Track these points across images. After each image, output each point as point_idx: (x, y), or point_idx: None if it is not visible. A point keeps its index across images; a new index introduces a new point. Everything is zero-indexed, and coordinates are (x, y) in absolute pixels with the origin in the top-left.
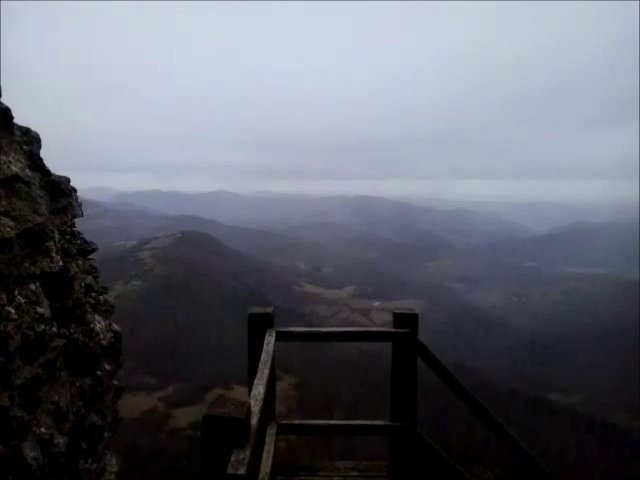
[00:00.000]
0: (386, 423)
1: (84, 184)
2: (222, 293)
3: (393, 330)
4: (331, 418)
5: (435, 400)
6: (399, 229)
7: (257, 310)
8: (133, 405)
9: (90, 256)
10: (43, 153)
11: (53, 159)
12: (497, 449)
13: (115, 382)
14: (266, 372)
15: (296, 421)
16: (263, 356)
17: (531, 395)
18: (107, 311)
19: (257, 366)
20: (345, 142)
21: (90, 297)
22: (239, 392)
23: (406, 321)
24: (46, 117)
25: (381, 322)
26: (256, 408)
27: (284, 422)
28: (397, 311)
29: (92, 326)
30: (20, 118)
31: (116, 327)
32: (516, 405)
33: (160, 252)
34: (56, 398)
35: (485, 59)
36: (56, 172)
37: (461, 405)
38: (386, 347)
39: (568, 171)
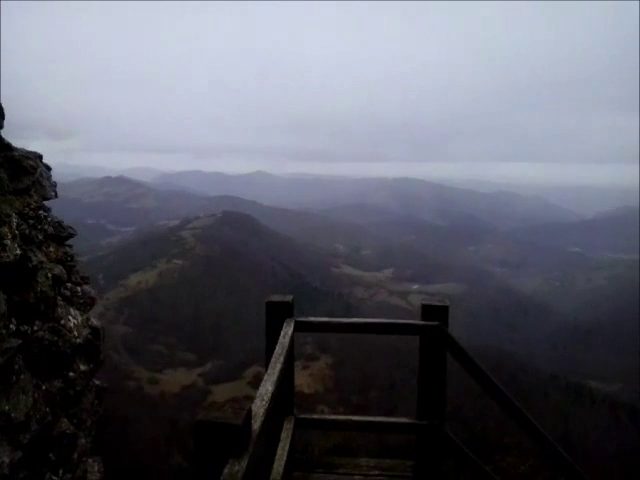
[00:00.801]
0: (412, 421)
1: (128, 164)
2: (261, 273)
3: (421, 323)
4: (367, 399)
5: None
6: (439, 212)
7: (275, 298)
8: (174, 380)
9: (67, 242)
10: (92, 135)
11: (99, 139)
12: None
13: (97, 382)
14: (279, 367)
15: (315, 415)
16: (277, 349)
17: (571, 381)
18: (86, 304)
19: None
20: (384, 124)
21: (65, 289)
22: None
23: (435, 313)
24: (95, 101)
25: (419, 306)
26: (261, 410)
27: (302, 416)
28: (426, 302)
29: (63, 322)
30: (65, 103)
31: (95, 322)
32: (556, 391)
33: (201, 232)
34: (6, 408)
35: (526, 43)
36: (100, 153)
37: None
38: None
39: (614, 155)
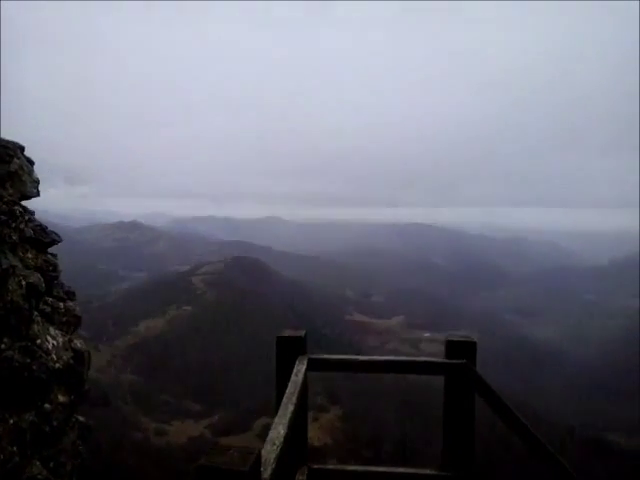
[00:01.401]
0: (436, 473)
1: (141, 209)
2: (272, 319)
3: (446, 361)
4: (379, 452)
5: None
6: (451, 257)
7: (287, 333)
8: (181, 431)
9: (51, 250)
10: (107, 180)
11: (114, 184)
12: None
13: (80, 418)
14: (291, 408)
15: (331, 466)
16: (289, 388)
17: (589, 434)
18: (69, 323)
19: None
20: (396, 170)
21: (45, 304)
22: None
23: (462, 350)
24: (110, 146)
25: (431, 353)
26: (272, 455)
27: (317, 467)
28: (451, 338)
29: (39, 342)
30: (73, 149)
31: (79, 345)
32: (573, 444)
33: (211, 277)
34: None
35: (538, 85)
36: (114, 198)
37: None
38: (436, 379)
39: (626, 200)
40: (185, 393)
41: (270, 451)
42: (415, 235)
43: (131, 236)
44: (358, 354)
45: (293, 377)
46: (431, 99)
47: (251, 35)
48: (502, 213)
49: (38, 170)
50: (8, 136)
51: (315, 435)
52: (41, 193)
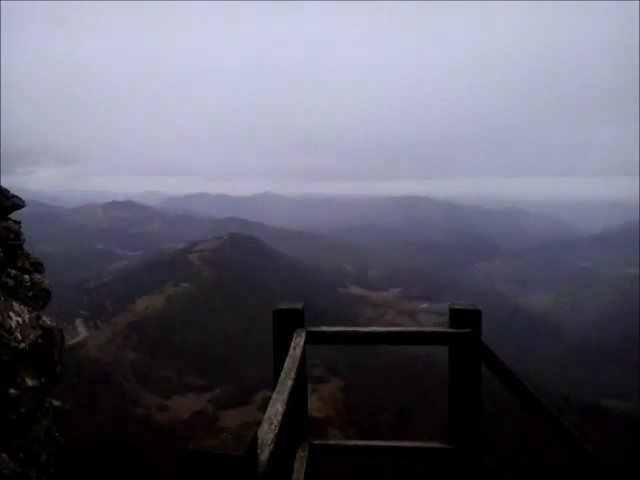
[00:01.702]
0: (443, 446)
1: (134, 188)
2: (269, 295)
3: (451, 330)
4: (378, 422)
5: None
6: (447, 230)
7: (284, 306)
8: (183, 406)
9: (14, 217)
10: (99, 160)
11: (105, 164)
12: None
13: (55, 403)
14: (289, 383)
15: (332, 441)
16: (287, 363)
17: (585, 401)
18: (37, 298)
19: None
20: (392, 142)
21: (7, 276)
22: None
23: (467, 319)
24: (101, 125)
25: (428, 324)
26: (269, 435)
27: (318, 442)
28: (455, 306)
29: (0, 319)
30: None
31: (48, 322)
32: (570, 411)
33: (208, 255)
34: None
35: (535, 54)
36: (107, 177)
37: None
38: (435, 350)
39: (620, 168)
40: (186, 368)
41: (267, 431)
42: (411, 208)
43: (125, 215)
44: (355, 326)
45: (291, 351)
46: (427, 70)
47: (249, 9)
48: (498, 184)
49: (28, 152)
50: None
51: (316, 406)
52: (33, 175)
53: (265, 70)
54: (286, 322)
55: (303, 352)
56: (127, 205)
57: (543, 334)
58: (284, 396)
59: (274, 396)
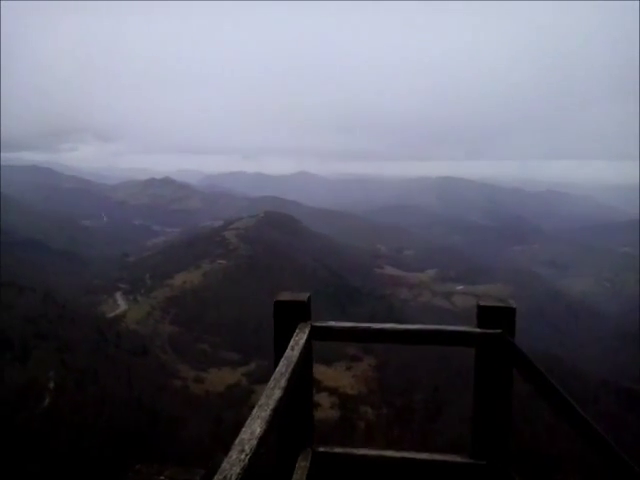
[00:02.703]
0: (465, 460)
1: (173, 166)
2: (303, 274)
3: (478, 330)
4: (411, 401)
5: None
6: (485, 212)
7: (285, 296)
8: (219, 379)
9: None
10: (138, 137)
11: (145, 141)
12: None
13: None
14: (277, 394)
15: (339, 449)
16: (279, 367)
17: (623, 386)
18: None
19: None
20: (429, 123)
21: None
22: (319, 371)
23: (497, 317)
24: (142, 103)
25: (464, 307)
26: (236, 468)
27: (322, 449)
28: (485, 303)
29: None
30: (115, 106)
31: None
32: (607, 396)
33: (244, 232)
34: None
35: (579, 35)
36: (146, 155)
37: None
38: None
39: None
40: (222, 343)
41: (234, 463)
42: (447, 189)
43: (164, 192)
44: (390, 307)
45: (287, 351)
46: (464, 49)
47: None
48: (537, 166)
49: (71, 130)
50: (41, 97)
51: (349, 383)
52: (77, 152)
53: (300, 53)
54: (288, 316)
55: (306, 348)
56: (166, 182)
57: (582, 318)
58: (266, 412)
59: (254, 411)
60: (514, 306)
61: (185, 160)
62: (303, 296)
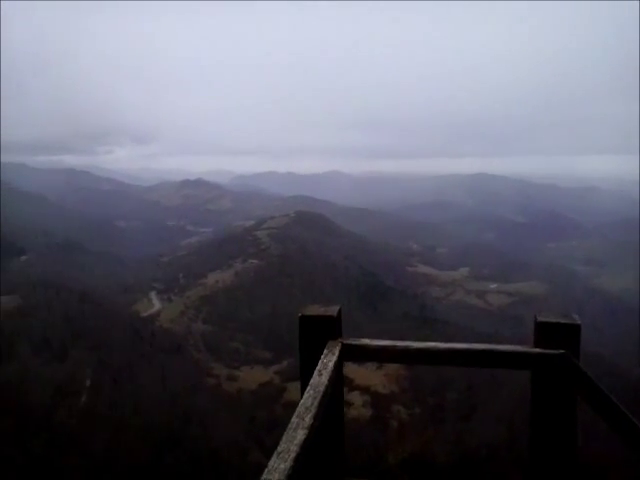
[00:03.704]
0: None
1: (206, 167)
2: (335, 272)
3: (536, 350)
4: (443, 399)
5: None
6: (518, 208)
7: (313, 311)
8: (251, 377)
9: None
10: (172, 139)
11: (178, 143)
12: None
13: None
14: (300, 436)
15: None
16: (304, 399)
17: None
18: None
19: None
20: (460, 119)
21: None
22: (350, 370)
23: (559, 335)
24: (174, 104)
25: (498, 305)
26: None
27: None
28: (544, 319)
29: None
30: (144, 107)
31: None
32: None
33: (276, 231)
34: None
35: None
36: (179, 156)
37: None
38: (504, 329)
39: None
40: (254, 341)
41: None
42: (480, 185)
43: (197, 193)
44: (422, 306)
45: (315, 377)
46: (492, 45)
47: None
48: (570, 161)
49: (108, 132)
50: (80, 100)
51: (381, 382)
52: (113, 154)
53: (326, 52)
54: (315, 332)
55: (336, 372)
56: (199, 183)
57: (621, 315)
58: (286, 464)
59: (271, 462)
60: (579, 322)
61: (217, 161)
62: (332, 310)
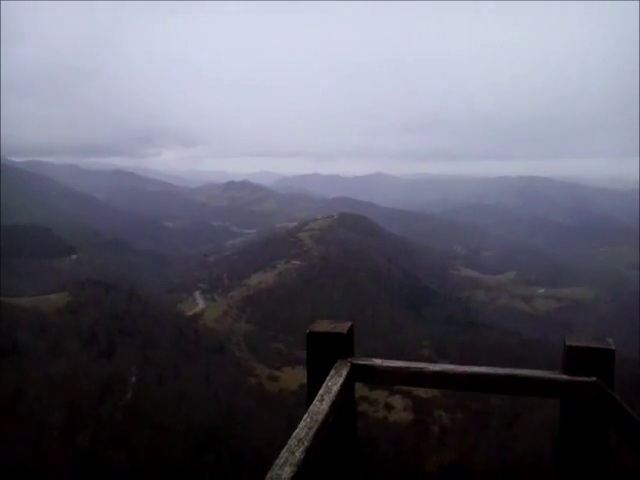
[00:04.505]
0: None
1: (251, 169)
2: (377, 275)
3: (565, 377)
4: (487, 405)
5: None
6: (569, 212)
7: (321, 327)
8: (292, 378)
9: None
10: (217, 141)
11: (224, 145)
12: None
13: None
14: (287, 471)
15: None
16: (301, 425)
17: None
18: None
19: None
20: (508, 121)
21: None
22: None
23: (591, 361)
24: (220, 107)
25: (545, 310)
26: None
27: None
28: (573, 343)
29: None
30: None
31: None
32: None
33: (318, 233)
34: None
35: None
36: (225, 158)
37: None
38: (550, 335)
39: None
40: (296, 342)
41: None
42: (529, 189)
43: (242, 195)
44: (467, 310)
45: (314, 404)
46: (547, 41)
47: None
48: (624, 163)
49: (158, 134)
50: (130, 103)
51: (422, 388)
52: (161, 156)
53: (370, 54)
54: (325, 350)
55: (341, 396)
56: (244, 185)
57: None
58: None
59: None
60: (613, 347)
61: (262, 163)
62: (343, 326)
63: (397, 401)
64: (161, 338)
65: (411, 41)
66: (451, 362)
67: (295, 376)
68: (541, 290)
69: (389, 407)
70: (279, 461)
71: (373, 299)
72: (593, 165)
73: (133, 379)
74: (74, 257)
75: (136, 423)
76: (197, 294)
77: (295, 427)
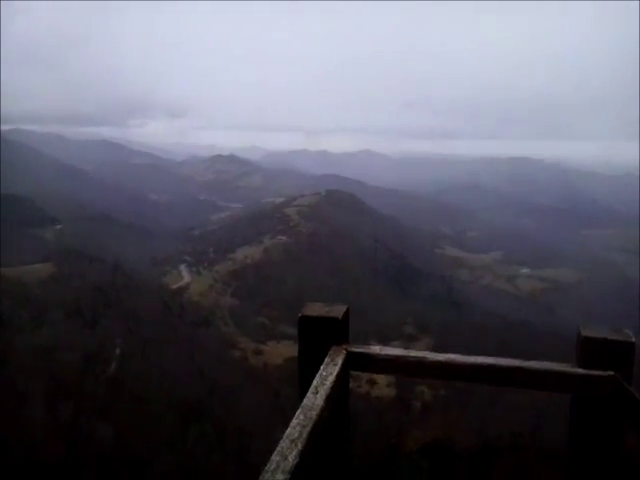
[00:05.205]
0: None
1: (238, 143)
2: (363, 253)
3: (579, 371)
4: (470, 384)
5: None
6: (557, 194)
7: (314, 311)
8: (277, 352)
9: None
10: (205, 114)
11: (211, 118)
12: None
13: None
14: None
15: None
16: (294, 423)
17: None
18: None
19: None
20: (498, 102)
21: None
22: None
23: (607, 354)
24: (208, 79)
25: (528, 290)
26: None
27: None
28: (590, 334)
29: None
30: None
31: None
32: None
33: (306, 209)
34: None
35: None
36: (212, 131)
37: None
38: (531, 316)
39: None
40: (281, 317)
41: None
42: (518, 170)
43: (228, 169)
44: (450, 289)
45: (309, 396)
46: (539, 26)
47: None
48: (615, 147)
49: (145, 106)
50: (115, 77)
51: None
52: (145, 127)
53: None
54: (318, 336)
55: (336, 387)
56: (231, 159)
57: None
58: None
59: None
60: (633, 339)
61: (250, 137)
62: (338, 310)
63: (380, 377)
64: (145, 311)
65: (407, 24)
66: (433, 338)
67: (280, 350)
68: (525, 270)
69: (372, 382)
70: (270, 467)
71: (358, 277)
72: (581, 148)
73: (117, 351)
74: (58, 227)
75: (120, 395)
76: (182, 267)
77: (287, 420)
